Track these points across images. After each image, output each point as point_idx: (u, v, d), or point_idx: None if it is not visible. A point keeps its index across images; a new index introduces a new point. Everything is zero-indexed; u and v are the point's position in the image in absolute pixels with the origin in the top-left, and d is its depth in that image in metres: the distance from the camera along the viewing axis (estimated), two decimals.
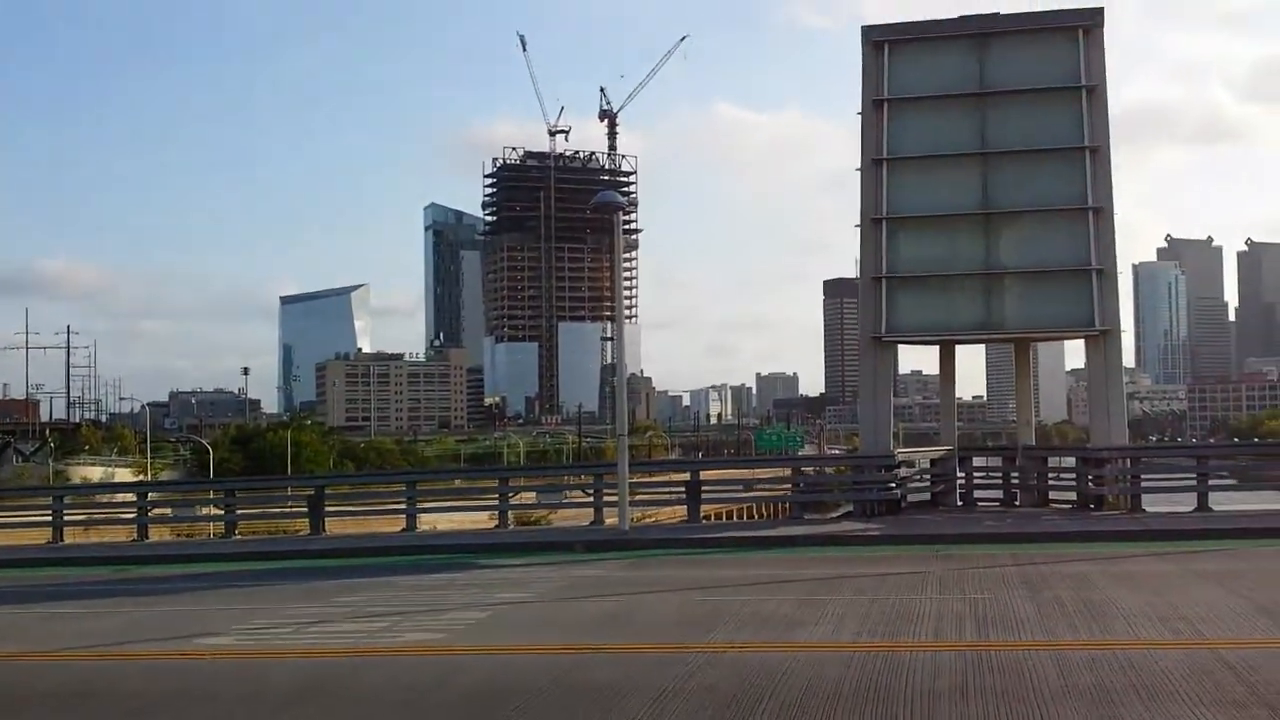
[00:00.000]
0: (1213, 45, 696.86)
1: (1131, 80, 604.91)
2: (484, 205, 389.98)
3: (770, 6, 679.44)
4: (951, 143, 33.91)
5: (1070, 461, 34.65)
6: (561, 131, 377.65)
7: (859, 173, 34.14)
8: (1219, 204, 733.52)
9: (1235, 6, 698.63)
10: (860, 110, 34.17)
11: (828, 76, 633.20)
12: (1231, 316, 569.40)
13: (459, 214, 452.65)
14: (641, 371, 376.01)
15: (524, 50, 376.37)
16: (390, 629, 16.92)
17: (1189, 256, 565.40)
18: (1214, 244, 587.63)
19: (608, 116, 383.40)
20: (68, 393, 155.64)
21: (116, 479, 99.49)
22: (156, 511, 37.61)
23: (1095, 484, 31.64)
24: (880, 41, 33.96)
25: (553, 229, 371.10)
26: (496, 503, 33.47)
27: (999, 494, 34.62)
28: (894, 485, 32.07)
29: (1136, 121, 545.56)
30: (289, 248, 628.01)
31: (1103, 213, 32.41)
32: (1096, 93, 32.69)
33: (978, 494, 34.58)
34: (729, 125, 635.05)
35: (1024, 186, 33.38)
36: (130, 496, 39.96)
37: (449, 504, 37.84)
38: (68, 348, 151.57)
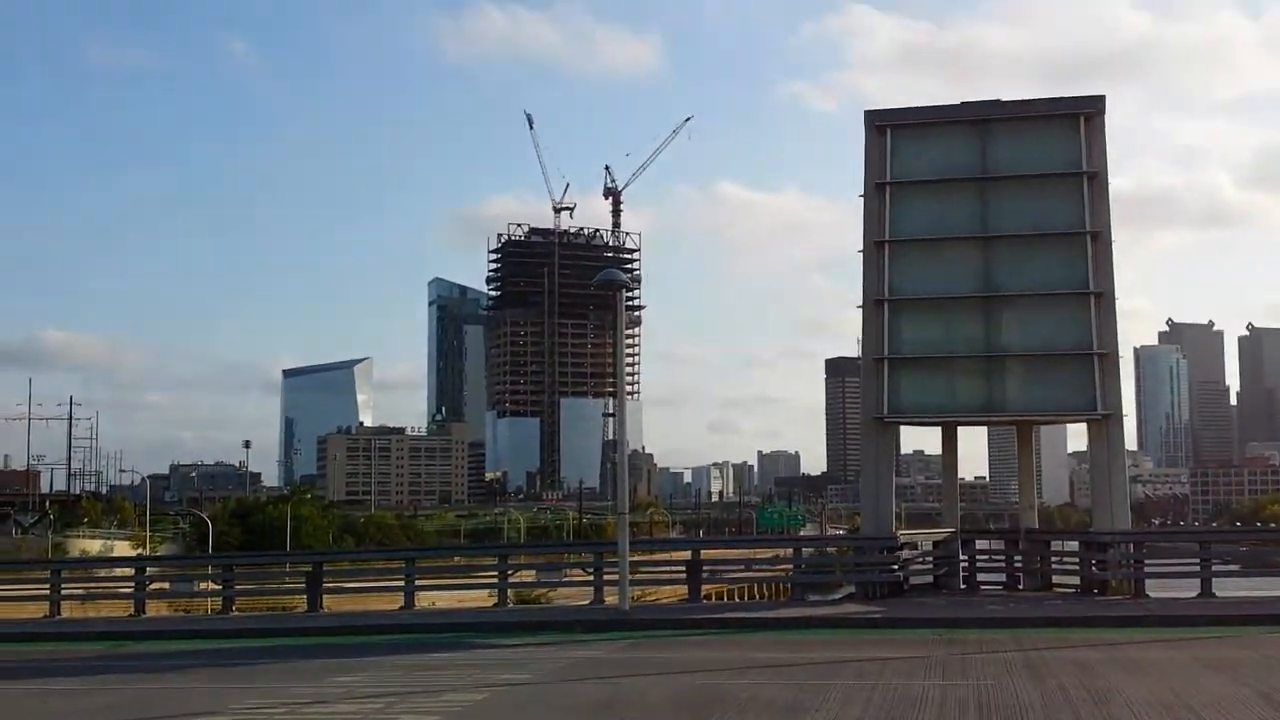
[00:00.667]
0: (1214, 131, 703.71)
1: (1132, 165, 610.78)
2: (488, 280, 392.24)
3: (772, 87, 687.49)
4: (953, 226, 34.21)
5: (1073, 545, 34.49)
6: (566, 208, 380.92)
7: (861, 254, 34.41)
8: (1220, 288, 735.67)
9: (1236, 94, 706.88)
10: (863, 193, 34.52)
11: (828, 157, 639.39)
12: (1233, 401, 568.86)
13: (463, 289, 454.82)
14: (643, 448, 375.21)
15: (531, 128, 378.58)
16: (385, 710, 16.76)
17: (1190, 341, 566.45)
18: (1215, 328, 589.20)
19: (612, 194, 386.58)
20: (69, 464, 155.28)
21: (115, 552, 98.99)
22: (154, 586, 37.36)
23: (1099, 569, 31.48)
24: (883, 126, 34.40)
25: (556, 304, 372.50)
26: (496, 580, 33.27)
27: (1002, 577, 34.44)
28: (896, 567, 31.89)
29: (1138, 206, 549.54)
30: (293, 321, 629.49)
31: (1104, 297, 32.59)
32: (1098, 179, 33.03)
33: (981, 577, 34.39)
34: (730, 204, 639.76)
35: (1025, 270, 33.62)
36: (128, 570, 39.73)
37: (448, 582, 37.57)
38: (70, 419, 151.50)
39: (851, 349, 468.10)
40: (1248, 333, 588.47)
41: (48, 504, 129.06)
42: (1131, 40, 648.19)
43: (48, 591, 35.01)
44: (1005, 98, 34.87)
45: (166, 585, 39.44)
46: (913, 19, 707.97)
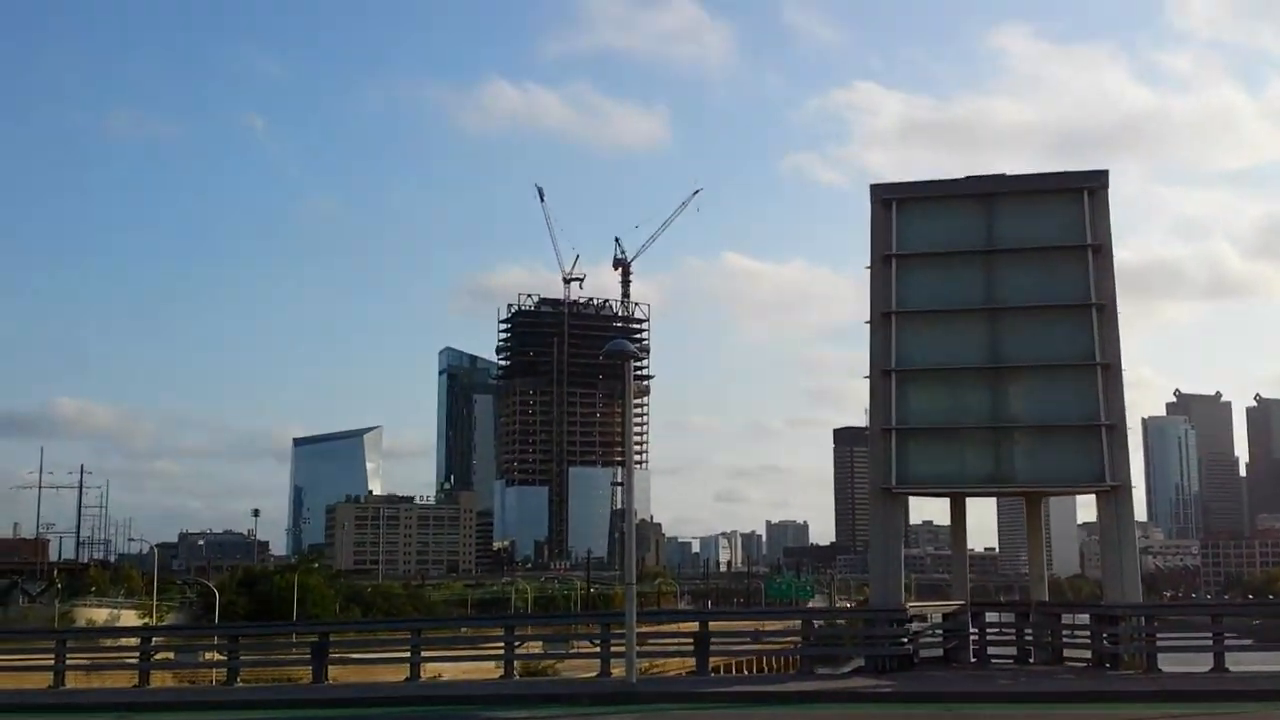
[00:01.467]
0: (1217, 202, 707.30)
1: (1136, 236, 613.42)
2: (498, 350, 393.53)
3: (777, 160, 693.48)
4: (959, 298, 34.42)
5: (1084, 618, 34.21)
6: (576, 279, 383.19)
7: (867, 325, 34.59)
8: (1227, 359, 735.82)
9: (1238, 165, 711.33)
10: (869, 264, 34.78)
11: (832, 229, 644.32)
12: (1242, 472, 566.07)
13: (473, 358, 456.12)
14: (651, 517, 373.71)
15: (541, 200, 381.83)
16: None
17: (1198, 412, 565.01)
18: (1223, 399, 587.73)
19: (622, 265, 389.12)
20: (78, 533, 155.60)
21: (122, 621, 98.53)
22: (159, 656, 37.16)
23: (1110, 642, 31.20)
24: (889, 199, 34.76)
25: (565, 374, 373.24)
26: (502, 651, 33.07)
27: (1013, 651, 34.12)
28: (906, 640, 31.64)
29: (1142, 276, 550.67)
30: (304, 390, 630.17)
31: (1111, 369, 32.69)
32: (1102, 251, 33.28)
33: (991, 650, 34.09)
34: (737, 274, 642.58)
35: (1032, 342, 33.76)
36: (134, 640, 39.53)
37: (454, 653, 37.33)
38: (80, 487, 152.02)
39: (859, 418, 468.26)
40: (1255, 404, 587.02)
41: (55, 572, 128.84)
42: (1133, 113, 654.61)
43: (52, 661, 34.81)
44: (1008, 170, 35.34)
45: (172, 655, 39.24)
46: (916, 94, 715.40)
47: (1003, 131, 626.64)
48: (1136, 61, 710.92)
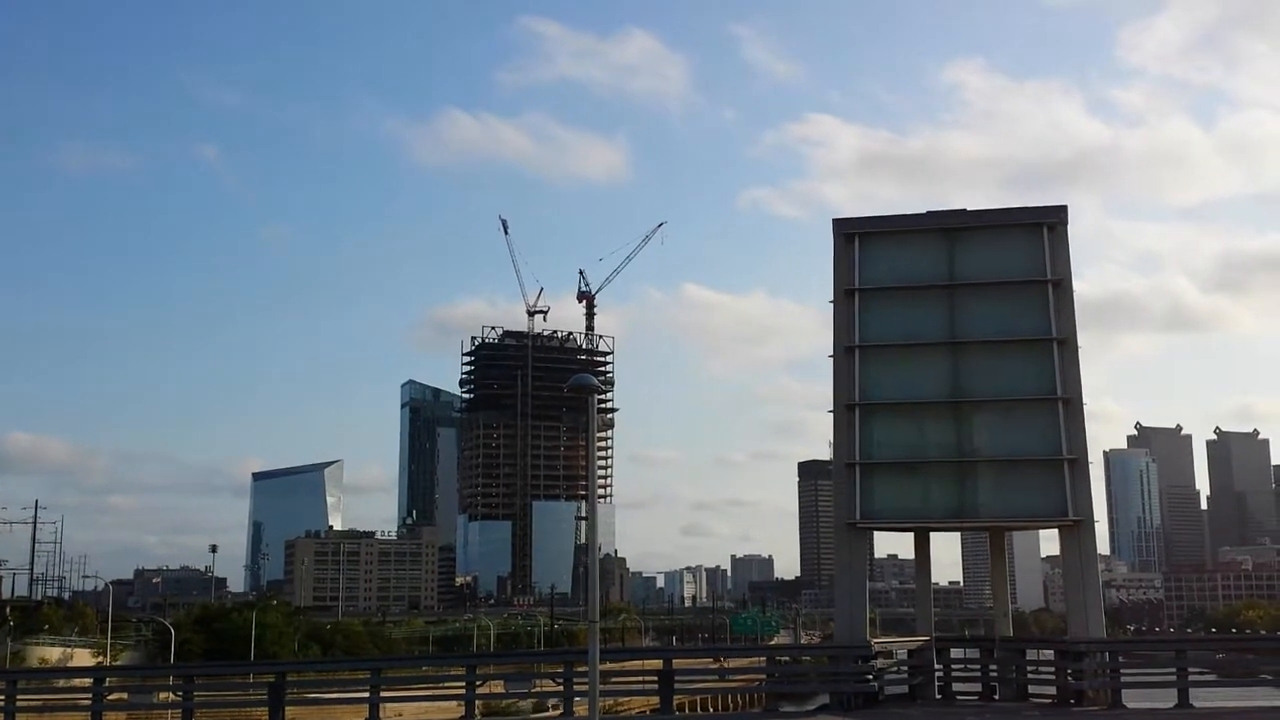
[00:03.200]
0: (1173, 236, 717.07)
1: (1094, 269, 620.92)
2: (461, 383, 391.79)
3: (735, 193, 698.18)
4: (922, 332, 34.45)
5: (1049, 654, 34.13)
6: (540, 311, 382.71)
7: (830, 358, 34.53)
8: (1187, 392, 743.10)
9: (1193, 200, 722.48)
10: (832, 298, 34.77)
11: (792, 261, 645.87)
12: (1204, 505, 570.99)
13: (436, 391, 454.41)
14: (615, 551, 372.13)
15: (505, 233, 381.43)
16: None
17: (1159, 444, 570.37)
18: (1183, 432, 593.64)
19: (586, 298, 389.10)
20: (31, 569, 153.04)
21: (76, 660, 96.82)
22: (114, 696, 36.46)
23: (1075, 678, 31.13)
24: (851, 234, 34.81)
25: (529, 407, 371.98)
26: (464, 691, 32.59)
27: (978, 687, 33.98)
28: (871, 677, 31.43)
29: (1101, 309, 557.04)
30: (262, 424, 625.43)
31: (1072, 403, 32.76)
32: (1062, 286, 33.42)
33: (956, 686, 33.94)
34: (697, 305, 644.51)
35: (994, 376, 33.80)
36: (87, 681, 38.74)
37: (414, 692, 36.79)
38: (34, 523, 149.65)
39: (822, 451, 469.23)
40: (1216, 437, 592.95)
41: (8, 610, 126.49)
42: (1087, 147, 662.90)
43: (2, 702, 34.02)
44: (966, 204, 35.64)
45: (125, 696, 38.52)
46: (872, 127, 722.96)
47: (959, 165, 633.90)
48: (1089, 96, 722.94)
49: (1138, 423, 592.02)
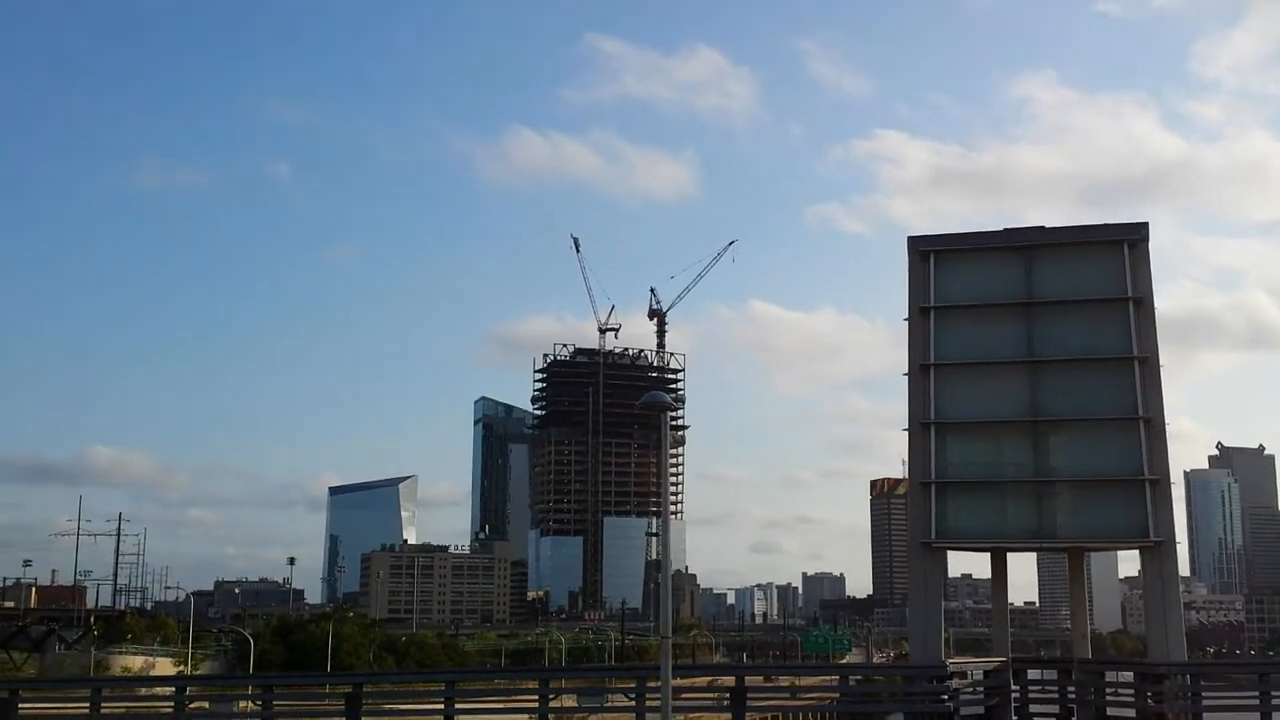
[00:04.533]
0: (1251, 252, 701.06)
1: (1170, 285, 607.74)
2: (533, 400, 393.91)
3: (802, 208, 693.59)
4: (999, 350, 34.19)
5: (1128, 676, 33.64)
6: (611, 329, 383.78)
7: (904, 376, 34.37)
8: (1268, 411, 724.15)
9: (1271, 215, 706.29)
10: (907, 316, 34.61)
11: (860, 277, 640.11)
12: None
13: (509, 408, 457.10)
14: (686, 568, 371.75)
15: (577, 250, 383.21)
16: None
17: (1241, 465, 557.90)
18: (1266, 453, 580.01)
19: (657, 315, 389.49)
20: (115, 580, 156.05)
21: (157, 669, 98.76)
22: (194, 706, 37.15)
23: (1154, 700, 30.66)
24: (926, 251, 34.66)
25: (600, 424, 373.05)
26: (536, 705, 32.82)
27: (1055, 709, 33.58)
28: (946, 698, 31.17)
29: (1178, 327, 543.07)
30: (339, 439, 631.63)
31: (1153, 423, 32.31)
32: (1144, 304, 33.00)
33: (1033, 708, 33.56)
34: (765, 323, 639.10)
35: (1073, 395, 33.43)
36: (168, 690, 39.54)
37: (488, 705, 37.05)
38: (118, 535, 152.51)
39: (892, 469, 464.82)
40: None
41: (92, 620, 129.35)
42: (1163, 161, 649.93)
43: (87, 710, 34.84)
44: (1039, 220, 35.47)
45: (206, 705, 39.20)
46: (942, 142, 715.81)
47: (1031, 180, 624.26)
48: (1164, 109, 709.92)
49: (1219, 443, 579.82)
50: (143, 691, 45.79)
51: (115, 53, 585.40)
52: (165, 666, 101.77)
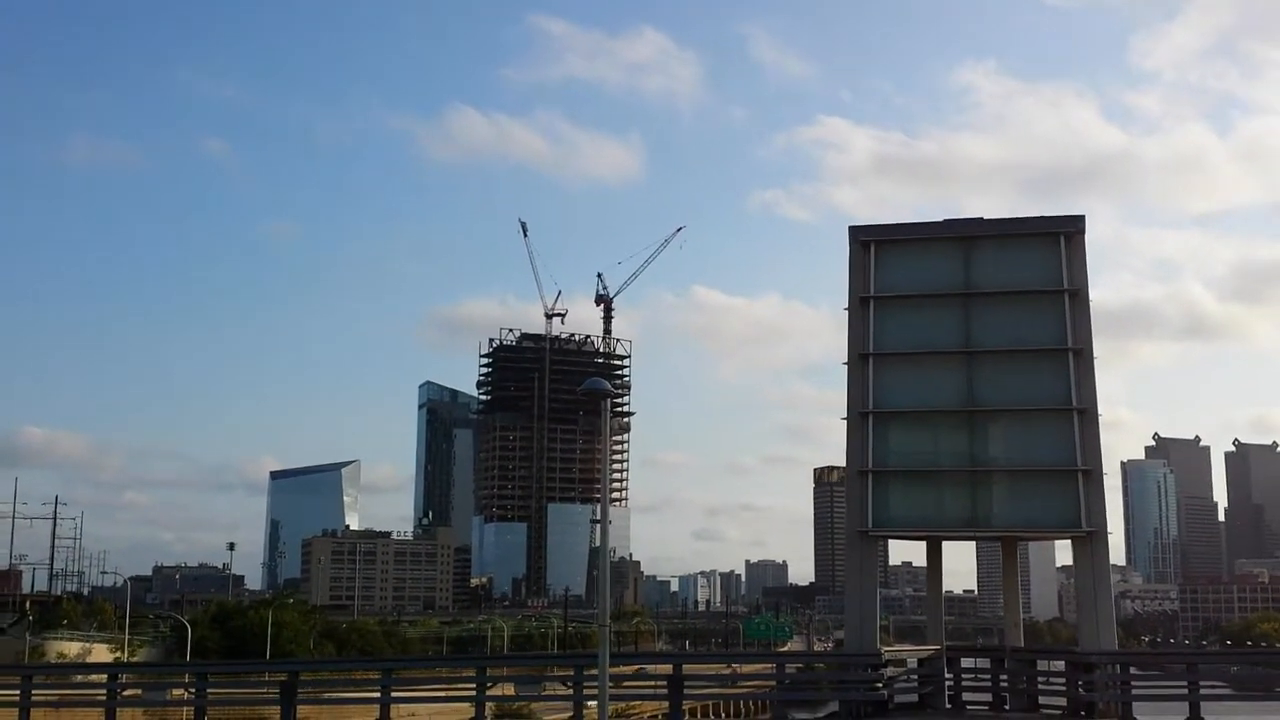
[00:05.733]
0: (1189, 244, 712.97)
1: (1109, 277, 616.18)
2: (479, 385, 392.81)
3: (746, 195, 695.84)
4: (937, 340, 34.41)
5: (1059, 665, 34.09)
6: (558, 314, 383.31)
7: (845, 365, 34.54)
8: (1205, 402, 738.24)
9: (1209, 208, 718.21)
10: (847, 306, 34.78)
11: (804, 265, 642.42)
12: (1221, 517, 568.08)
13: (454, 393, 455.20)
14: (630, 555, 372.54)
15: (525, 235, 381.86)
16: None
17: (1177, 455, 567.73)
18: (1201, 444, 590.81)
19: (604, 301, 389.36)
20: (51, 564, 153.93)
21: (94, 655, 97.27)
22: (129, 693, 36.70)
23: (1085, 690, 31.08)
24: (867, 241, 34.80)
25: (546, 410, 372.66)
26: (474, 693, 32.72)
27: (988, 697, 33.96)
28: (881, 685, 31.45)
29: (1117, 318, 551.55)
30: (279, 422, 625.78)
31: (1087, 414, 32.67)
32: (1079, 296, 33.35)
33: (966, 696, 33.92)
34: (709, 309, 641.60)
35: (1009, 385, 33.74)
36: (103, 677, 39.04)
37: (425, 694, 36.93)
38: (54, 519, 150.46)
39: (834, 457, 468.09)
40: (1234, 449, 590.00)
41: (27, 605, 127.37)
42: (1103, 153, 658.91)
43: (18, 697, 34.32)
44: (980, 210, 36.21)
45: (140, 692, 38.76)
46: (885, 129, 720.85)
47: (972, 168, 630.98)
48: (1104, 100, 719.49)
49: (1156, 433, 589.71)
50: (77, 678, 45.17)
51: (44, 28, 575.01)
52: (101, 653, 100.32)
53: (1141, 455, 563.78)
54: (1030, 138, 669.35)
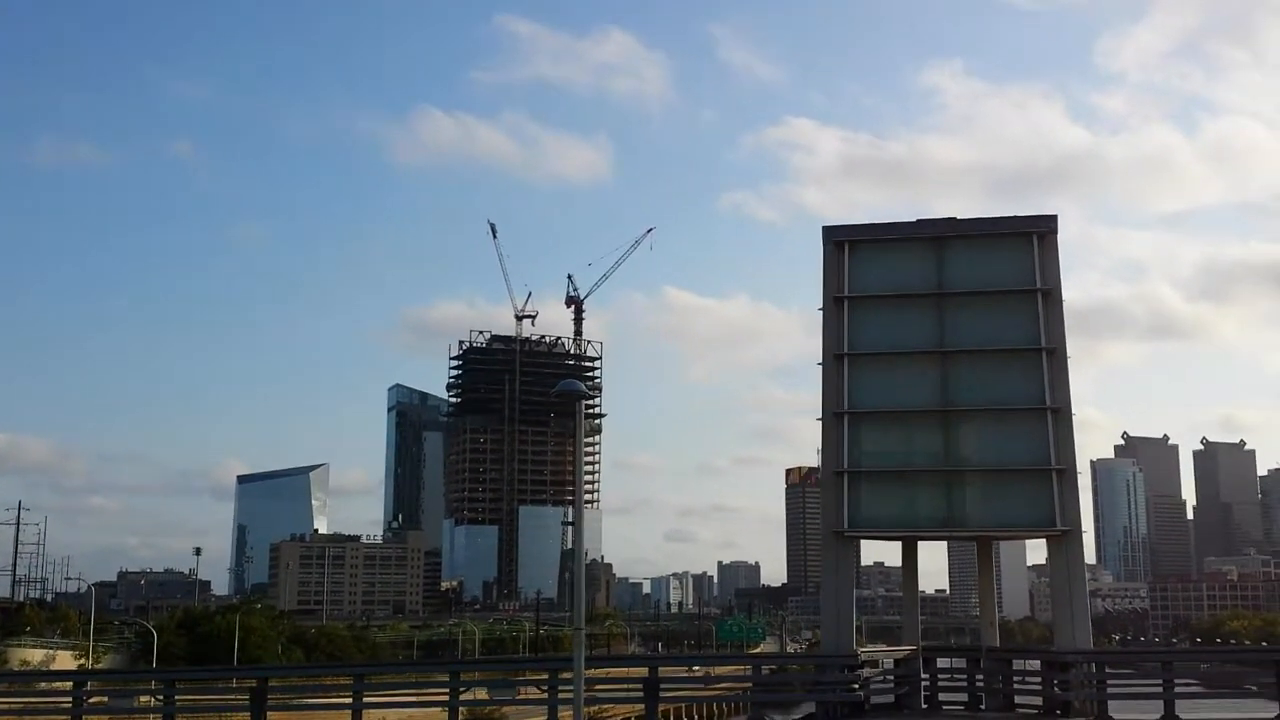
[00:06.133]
0: (1156, 244, 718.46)
1: (1076, 276, 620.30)
2: (449, 387, 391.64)
3: (716, 197, 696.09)
4: (911, 340, 34.31)
5: (1035, 664, 34.04)
6: (528, 316, 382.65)
7: (819, 366, 34.38)
8: (1172, 401, 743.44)
9: (1175, 207, 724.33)
10: (821, 306, 34.62)
11: (774, 264, 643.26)
12: (1189, 515, 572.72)
13: (423, 395, 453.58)
14: (602, 557, 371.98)
15: (494, 236, 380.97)
16: None
17: (1146, 454, 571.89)
18: (1170, 442, 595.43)
19: (574, 302, 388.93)
20: (14, 570, 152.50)
21: (58, 663, 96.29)
22: (94, 700, 36.13)
23: (1061, 689, 31.05)
24: (841, 241, 34.66)
25: (517, 412, 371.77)
26: (447, 698, 32.37)
27: (964, 697, 33.87)
28: (857, 686, 31.29)
29: (1085, 317, 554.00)
30: (243, 425, 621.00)
31: (1061, 413, 32.63)
32: (1052, 296, 33.31)
33: (942, 696, 33.84)
34: (679, 309, 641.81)
35: (983, 385, 33.66)
36: (67, 684, 38.43)
37: (398, 699, 36.56)
38: (17, 524, 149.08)
39: (805, 457, 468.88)
40: (1202, 447, 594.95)
41: None
42: (1069, 153, 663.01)
43: None
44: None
45: (106, 700, 38.16)
46: (853, 131, 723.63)
47: (940, 170, 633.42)
48: (1071, 101, 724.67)
49: (1125, 432, 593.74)
50: (41, 686, 44.45)
51: (10, 27, 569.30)
52: (66, 660, 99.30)
53: (1110, 454, 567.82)
54: (997, 139, 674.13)
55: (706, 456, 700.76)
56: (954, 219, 35.11)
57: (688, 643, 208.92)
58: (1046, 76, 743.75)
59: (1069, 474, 32.45)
